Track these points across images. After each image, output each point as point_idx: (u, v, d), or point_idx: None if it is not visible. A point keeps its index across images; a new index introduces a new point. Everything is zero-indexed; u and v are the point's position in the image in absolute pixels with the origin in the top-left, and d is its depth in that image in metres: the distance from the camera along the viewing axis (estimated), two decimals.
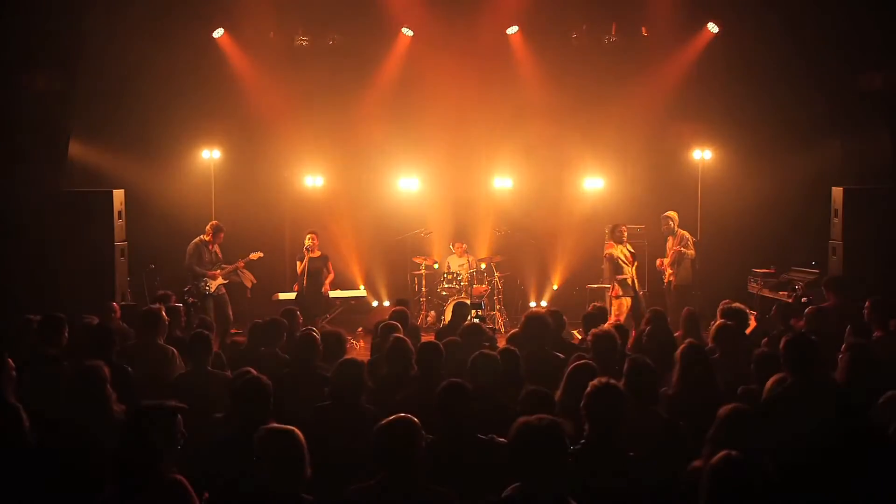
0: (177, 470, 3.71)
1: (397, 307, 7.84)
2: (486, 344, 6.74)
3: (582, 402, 4.01)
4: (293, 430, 3.64)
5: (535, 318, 6.33)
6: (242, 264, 11.14)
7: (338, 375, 4.92)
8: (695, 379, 5.07)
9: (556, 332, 6.80)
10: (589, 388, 4.02)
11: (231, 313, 10.96)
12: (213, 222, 11.07)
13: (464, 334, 6.66)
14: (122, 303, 10.02)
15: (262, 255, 11.32)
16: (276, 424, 3.71)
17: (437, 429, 4.25)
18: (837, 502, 3.96)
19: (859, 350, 5.34)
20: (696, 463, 3.86)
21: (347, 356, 5.52)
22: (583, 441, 3.97)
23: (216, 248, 10.97)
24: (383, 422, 3.75)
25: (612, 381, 4.07)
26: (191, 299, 9.82)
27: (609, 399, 3.97)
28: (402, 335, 6.06)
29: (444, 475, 3.88)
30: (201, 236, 10.92)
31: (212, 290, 10.72)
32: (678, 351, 5.25)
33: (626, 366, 4.86)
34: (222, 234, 11.03)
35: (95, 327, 6.46)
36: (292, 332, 7.03)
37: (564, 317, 7.64)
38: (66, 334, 6.47)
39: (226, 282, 10.97)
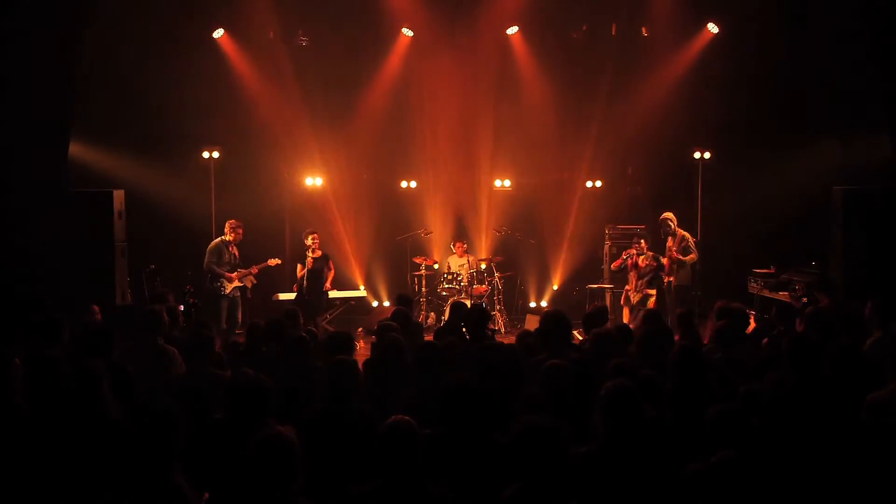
0: (180, 469, 3.70)
1: (399, 307, 7.81)
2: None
3: (598, 404, 4.02)
4: (283, 437, 3.57)
5: (554, 316, 6.26)
6: (256, 270, 11.13)
7: (332, 376, 4.90)
8: (690, 380, 5.07)
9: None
10: (604, 390, 4.03)
11: (241, 316, 10.97)
12: (231, 221, 11.03)
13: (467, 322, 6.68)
14: (121, 303, 10.03)
15: (279, 261, 11.33)
16: (268, 431, 3.65)
17: (441, 426, 4.24)
18: (837, 501, 3.96)
19: (849, 350, 5.34)
20: (694, 465, 3.87)
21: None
22: (598, 442, 3.98)
23: (234, 249, 10.98)
24: (383, 424, 3.75)
25: (629, 382, 4.07)
26: (192, 300, 9.80)
27: (625, 400, 3.98)
28: (398, 335, 6.03)
29: (447, 472, 3.88)
30: (222, 237, 10.95)
31: (227, 291, 10.73)
32: (672, 352, 5.25)
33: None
34: (241, 231, 11.00)
35: (95, 327, 6.45)
36: (293, 333, 7.03)
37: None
38: (67, 335, 6.46)
39: (241, 285, 10.98)
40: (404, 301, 8.42)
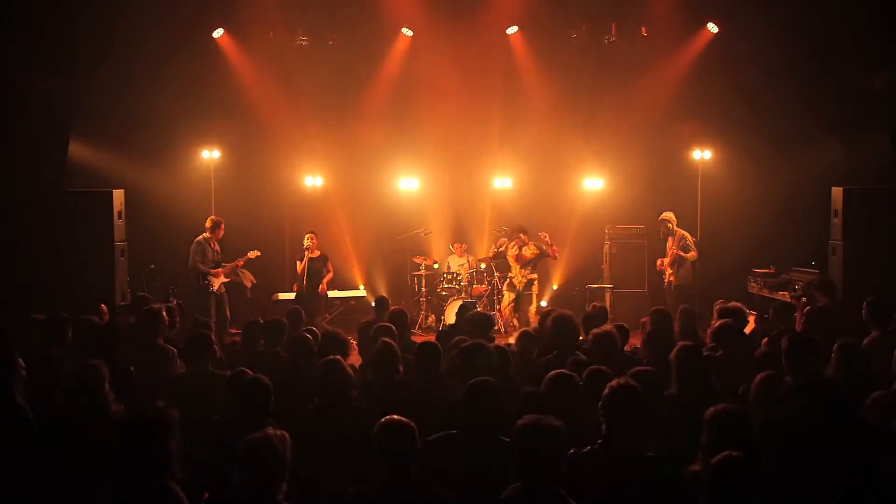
0: (177, 471, 3.69)
1: (395, 309, 7.78)
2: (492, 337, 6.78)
3: (600, 403, 4.02)
4: (269, 441, 3.55)
5: (563, 320, 6.28)
6: (241, 263, 11.13)
7: (325, 376, 4.90)
8: (690, 379, 5.07)
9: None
10: (607, 389, 4.03)
11: (229, 313, 10.96)
12: (212, 217, 11.03)
13: (470, 326, 6.67)
14: (122, 303, 10.03)
15: (259, 253, 11.31)
16: (256, 434, 3.62)
17: (460, 427, 4.23)
18: (836, 502, 3.96)
19: (850, 349, 5.34)
20: (694, 465, 3.87)
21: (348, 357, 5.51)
22: (599, 441, 3.98)
23: (216, 245, 10.97)
24: (378, 424, 3.74)
25: (631, 382, 4.07)
26: (174, 301, 9.74)
27: (627, 400, 3.98)
28: (390, 340, 6.00)
29: (463, 473, 3.88)
30: (203, 234, 10.92)
31: (214, 288, 10.71)
32: (673, 351, 5.24)
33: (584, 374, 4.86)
34: (222, 228, 10.99)
35: (99, 327, 6.45)
36: (295, 332, 7.03)
37: None
38: (70, 334, 6.46)
39: (227, 280, 10.97)
40: (386, 302, 8.42)
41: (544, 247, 11.65)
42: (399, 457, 3.64)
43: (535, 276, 11.73)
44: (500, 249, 11.89)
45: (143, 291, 10.41)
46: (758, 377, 5.00)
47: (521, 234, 11.67)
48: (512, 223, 13.21)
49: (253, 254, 11.21)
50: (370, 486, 3.65)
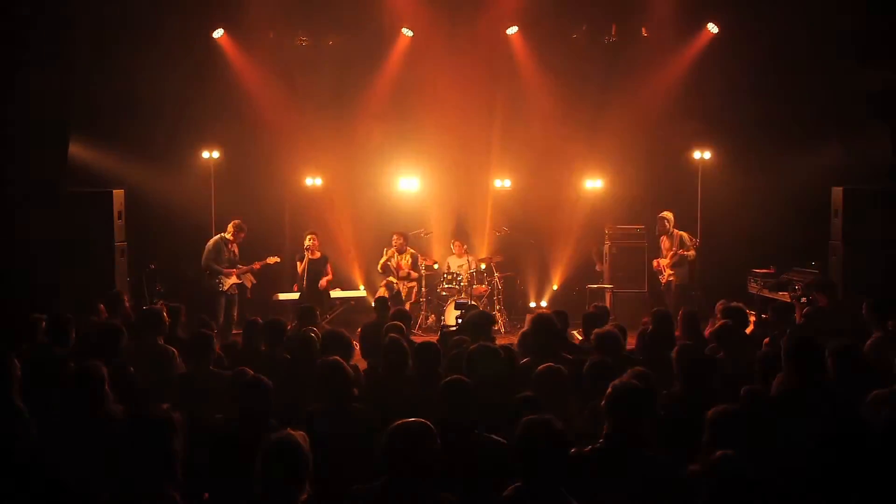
0: (176, 477, 3.66)
1: (398, 308, 7.81)
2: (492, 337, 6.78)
3: (603, 402, 4.02)
4: (297, 438, 3.49)
5: (542, 320, 6.27)
6: (258, 266, 11.17)
7: (323, 377, 4.88)
8: (691, 378, 5.07)
9: (563, 333, 6.78)
10: (611, 389, 4.03)
11: (236, 314, 10.98)
12: (236, 221, 11.05)
13: (469, 327, 6.67)
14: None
15: (279, 259, 11.37)
16: (281, 432, 3.56)
17: (437, 426, 4.23)
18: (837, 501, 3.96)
19: (847, 350, 5.34)
20: (695, 465, 3.86)
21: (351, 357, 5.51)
22: (601, 441, 3.98)
23: (234, 247, 10.99)
24: (398, 423, 3.65)
25: (635, 382, 4.07)
26: (160, 301, 9.71)
27: (631, 399, 3.97)
28: (398, 336, 6.02)
29: (443, 472, 3.87)
30: (222, 234, 10.95)
31: (225, 287, 10.75)
32: (673, 352, 5.25)
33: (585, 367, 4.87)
34: (243, 234, 11.05)
35: (101, 327, 6.45)
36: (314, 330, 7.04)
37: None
38: (74, 334, 6.46)
39: (239, 282, 10.99)
40: (385, 302, 8.45)
41: (419, 257, 12.39)
42: (412, 459, 3.56)
43: (414, 284, 12.17)
44: (386, 260, 12.35)
45: (144, 290, 10.42)
46: (778, 377, 5.01)
47: (397, 238, 12.16)
48: (510, 223, 13.27)
49: (272, 259, 11.28)
50: (373, 487, 3.63)
